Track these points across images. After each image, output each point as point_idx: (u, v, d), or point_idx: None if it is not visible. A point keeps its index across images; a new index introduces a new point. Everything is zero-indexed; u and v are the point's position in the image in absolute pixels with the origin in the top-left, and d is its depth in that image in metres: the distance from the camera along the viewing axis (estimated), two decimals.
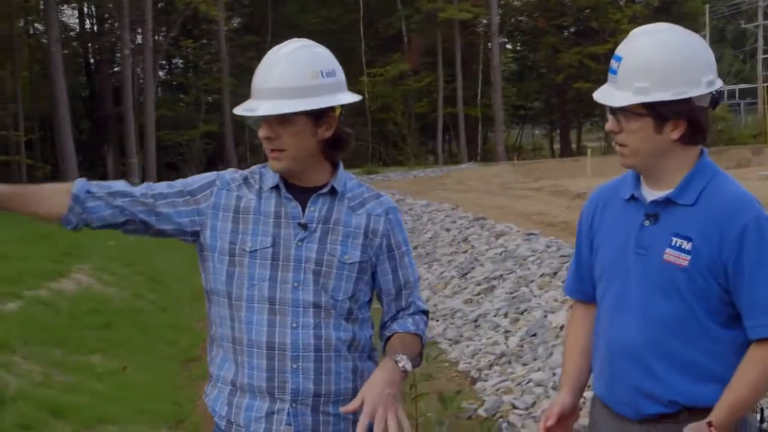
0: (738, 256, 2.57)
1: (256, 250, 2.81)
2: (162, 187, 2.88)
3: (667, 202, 2.67)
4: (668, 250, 2.64)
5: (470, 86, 54.11)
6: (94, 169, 49.89)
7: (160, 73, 54.54)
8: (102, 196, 2.78)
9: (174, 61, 58.02)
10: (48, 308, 9.43)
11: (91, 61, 55.97)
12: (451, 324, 10.14)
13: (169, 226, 2.86)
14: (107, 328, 9.38)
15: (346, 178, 2.94)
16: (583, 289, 2.98)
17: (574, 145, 60.19)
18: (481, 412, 7.09)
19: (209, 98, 51.96)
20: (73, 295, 10.28)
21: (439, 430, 5.11)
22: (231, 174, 2.93)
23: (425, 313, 3.06)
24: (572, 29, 58.23)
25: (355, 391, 2.84)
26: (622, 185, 2.84)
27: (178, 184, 2.90)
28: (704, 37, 63.49)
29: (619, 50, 2.67)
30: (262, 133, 2.75)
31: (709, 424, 2.54)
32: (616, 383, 2.78)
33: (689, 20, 54.94)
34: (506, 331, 9.13)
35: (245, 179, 2.90)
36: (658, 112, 2.61)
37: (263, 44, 41.70)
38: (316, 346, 2.80)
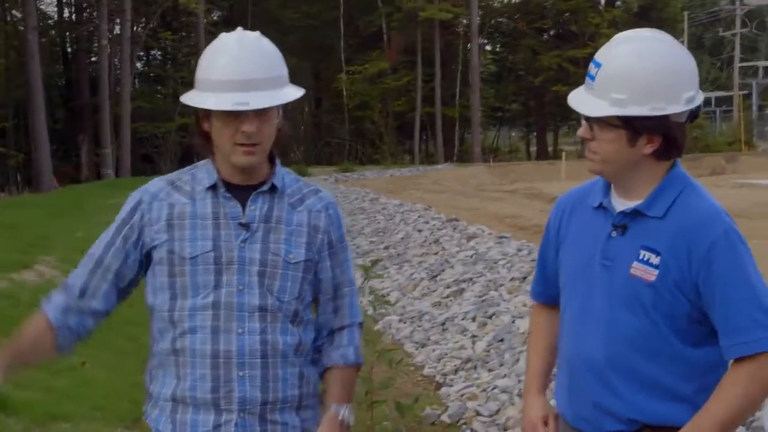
0: (708, 273, 2.48)
1: (196, 256, 2.70)
2: (102, 244, 2.79)
3: (636, 213, 2.58)
4: (635, 264, 2.55)
5: (449, 86, 54.10)
6: (67, 159, 49.55)
7: (138, 65, 54.14)
8: (74, 307, 2.74)
9: (152, 52, 57.64)
10: (7, 300, 9.24)
11: (69, 50, 55.52)
12: (419, 327, 10.03)
13: (134, 272, 2.79)
14: None
15: (284, 173, 2.83)
16: (548, 292, 2.91)
17: (550, 148, 60.34)
18: (444, 418, 7.03)
19: (187, 91, 51.48)
20: (35, 287, 10.08)
21: None
22: (155, 184, 2.82)
23: (361, 325, 2.97)
24: (552, 32, 58.34)
25: (300, 398, 2.79)
26: (591, 192, 2.75)
27: (114, 223, 2.80)
28: (682, 43, 63.81)
29: (599, 55, 2.56)
30: (249, 127, 2.62)
31: None
32: (576, 398, 2.71)
33: (668, 26, 55.14)
34: (473, 336, 9.04)
35: (172, 184, 2.80)
36: (632, 126, 2.50)
37: None
38: (262, 352, 2.70)
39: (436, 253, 13.96)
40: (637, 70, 2.48)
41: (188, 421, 2.72)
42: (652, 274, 2.52)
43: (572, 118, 59.20)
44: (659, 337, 2.54)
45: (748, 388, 2.47)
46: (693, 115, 2.56)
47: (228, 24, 53.92)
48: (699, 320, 2.53)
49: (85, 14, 52.39)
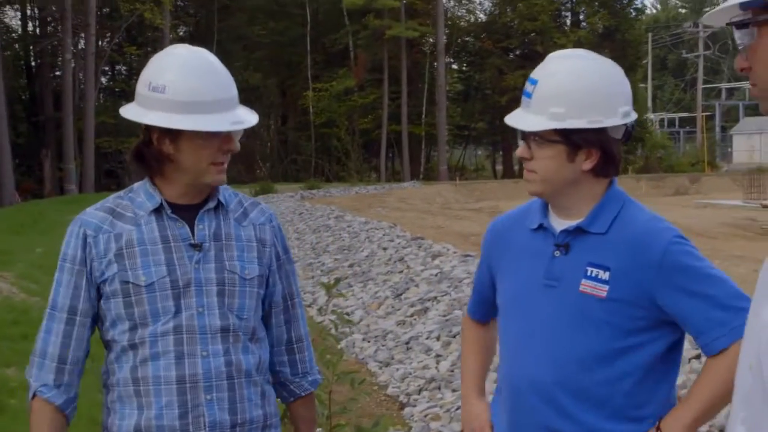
0: (669, 281, 2.47)
1: (152, 282, 2.62)
2: (68, 291, 2.68)
3: (579, 231, 2.58)
4: (584, 281, 2.53)
5: (415, 104, 54.19)
6: (30, 174, 49.08)
7: (103, 80, 53.77)
8: (66, 378, 2.70)
9: (117, 67, 57.33)
10: None
11: (33, 64, 55.08)
12: (383, 346, 9.96)
13: (97, 308, 2.70)
14: (25, 339, 9.04)
15: (222, 189, 2.79)
16: (485, 312, 2.92)
17: (516, 167, 60.53)
18: None
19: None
20: None
21: None
22: (95, 215, 2.72)
23: (301, 305, 2.98)
24: (518, 52, 58.59)
25: (264, 418, 2.76)
26: (528, 214, 2.75)
27: (65, 263, 2.69)
28: (646, 65, 64.71)
29: (535, 74, 2.59)
30: (235, 146, 2.65)
31: (658, 428, 2.46)
32: (520, 421, 2.65)
33: (632, 48, 55.71)
34: (437, 355, 8.98)
35: (113, 212, 2.71)
36: (571, 140, 2.52)
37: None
38: (228, 374, 2.66)
39: (400, 272, 13.90)
40: (575, 86, 2.51)
41: None
42: (602, 290, 2.50)
43: None
44: (611, 355, 2.52)
45: (728, 378, 2.38)
46: (628, 134, 2.59)
47: (194, 40, 53.78)
48: (652, 334, 2.53)
49: (49, 28, 52.00)
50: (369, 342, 10.27)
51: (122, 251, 2.64)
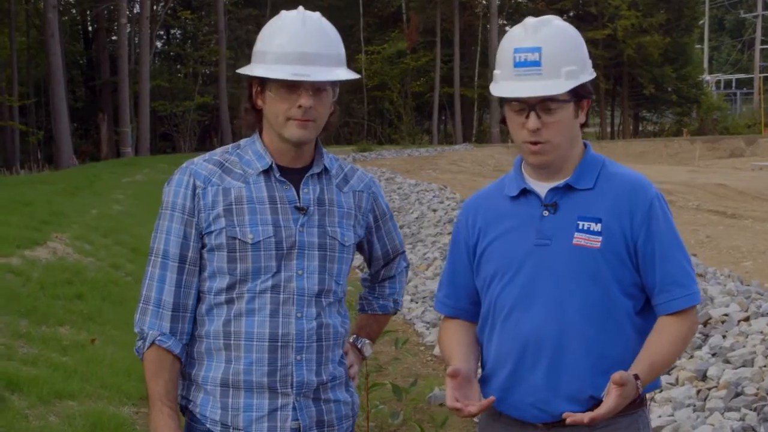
0: (648, 232, 2.58)
1: (259, 241, 2.68)
2: (178, 240, 2.72)
3: (567, 188, 2.64)
4: (577, 234, 2.59)
5: (468, 67, 53.85)
6: (88, 137, 49.73)
7: (158, 44, 54.15)
8: (185, 331, 2.74)
9: (172, 31, 57.67)
10: (18, 277, 9.22)
11: (90, 29, 55.58)
12: (430, 307, 10.01)
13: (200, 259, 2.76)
14: (79, 299, 9.17)
15: (325, 154, 2.84)
16: (459, 305, 2.86)
17: None
18: None
19: (206, 70, 51.65)
20: (47, 265, 10.09)
21: (392, 421, 4.98)
22: (204, 167, 2.75)
23: (404, 257, 3.14)
24: (571, 13, 57.86)
25: (345, 373, 2.88)
26: (503, 186, 2.79)
27: (174, 212, 2.72)
28: (703, 25, 63.53)
29: (530, 41, 2.59)
30: (306, 101, 2.63)
31: (636, 377, 2.48)
32: (520, 384, 2.64)
33: (688, 8, 54.72)
34: None
35: (222, 167, 2.75)
36: (578, 95, 2.60)
37: (262, 17, 41.53)
38: (318, 336, 2.74)
39: (449, 233, 13.92)
40: (573, 42, 2.62)
41: (241, 406, 2.70)
42: (596, 241, 2.57)
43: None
44: (610, 305, 2.58)
45: (688, 336, 2.62)
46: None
47: (248, 4, 53.86)
48: (641, 285, 2.62)
49: None
50: (416, 303, 10.33)
51: (231, 207, 2.68)
